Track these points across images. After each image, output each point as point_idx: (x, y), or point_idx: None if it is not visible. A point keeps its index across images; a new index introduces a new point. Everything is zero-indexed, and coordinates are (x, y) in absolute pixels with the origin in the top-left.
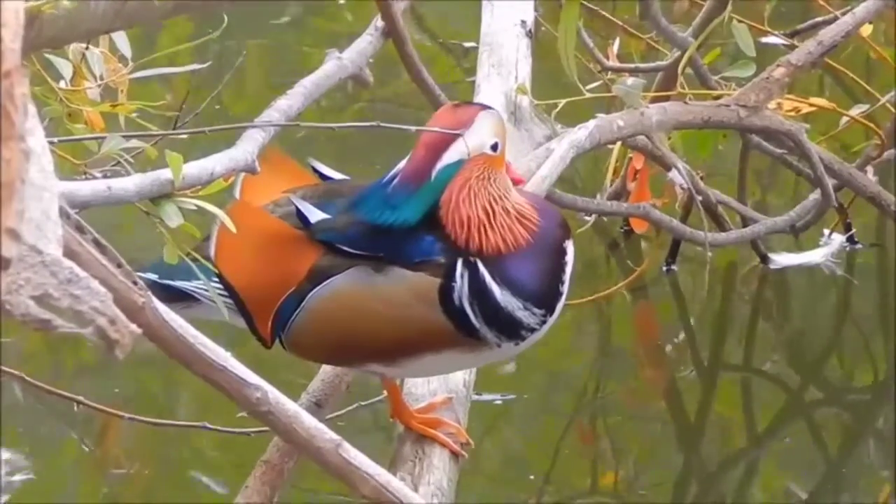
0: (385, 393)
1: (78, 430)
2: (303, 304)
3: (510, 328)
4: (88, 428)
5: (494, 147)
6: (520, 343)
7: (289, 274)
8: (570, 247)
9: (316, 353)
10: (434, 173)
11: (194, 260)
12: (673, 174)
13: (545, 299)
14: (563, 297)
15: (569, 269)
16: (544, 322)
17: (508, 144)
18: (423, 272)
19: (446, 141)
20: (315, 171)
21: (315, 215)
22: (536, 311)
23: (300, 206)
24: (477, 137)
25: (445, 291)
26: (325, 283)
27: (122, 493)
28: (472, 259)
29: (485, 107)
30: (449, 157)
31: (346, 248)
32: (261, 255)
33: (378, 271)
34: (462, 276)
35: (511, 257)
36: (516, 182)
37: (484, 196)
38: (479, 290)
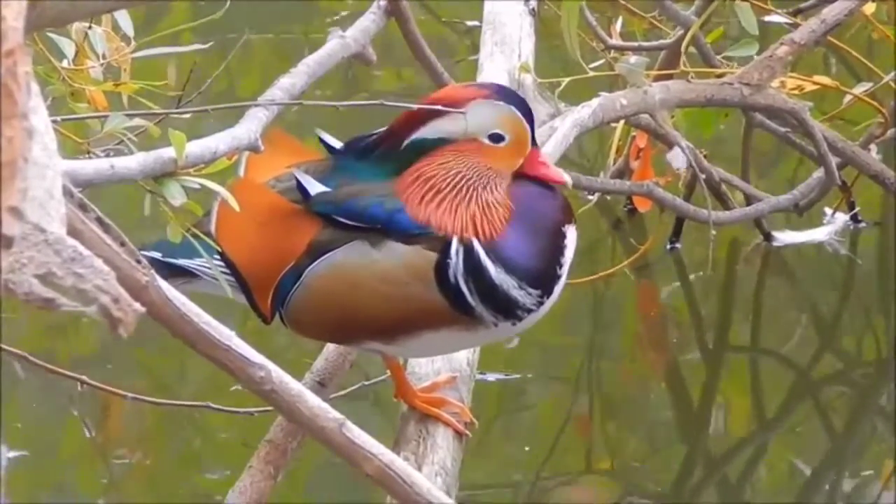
0: (388, 373)
1: (80, 412)
2: (300, 279)
3: (506, 307)
4: (91, 411)
5: (495, 138)
6: (517, 323)
7: (288, 249)
8: (570, 231)
9: (314, 330)
10: (405, 143)
11: (197, 238)
12: (671, 155)
13: (541, 280)
14: (562, 279)
15: (568, 253)
16: (541, 303)
17: None
18: (419, 245)
19: (429, 116)
20: (322, 141)
21: (315, 188)
22: (532, 291)
23: (301, 179)
24: (472, 122)
25: (441, 268)
26: (321, 258)
27: (125, 474)
28: (466, 235)
29: (494, 94)
30: (426, 131)
31: (343, 221)
32: (260, 231)
33: (374, 246)
34: (457, 253)
35: (507, 237)
36: (545, 180)
37: (444, 182)
38: (473, 267)
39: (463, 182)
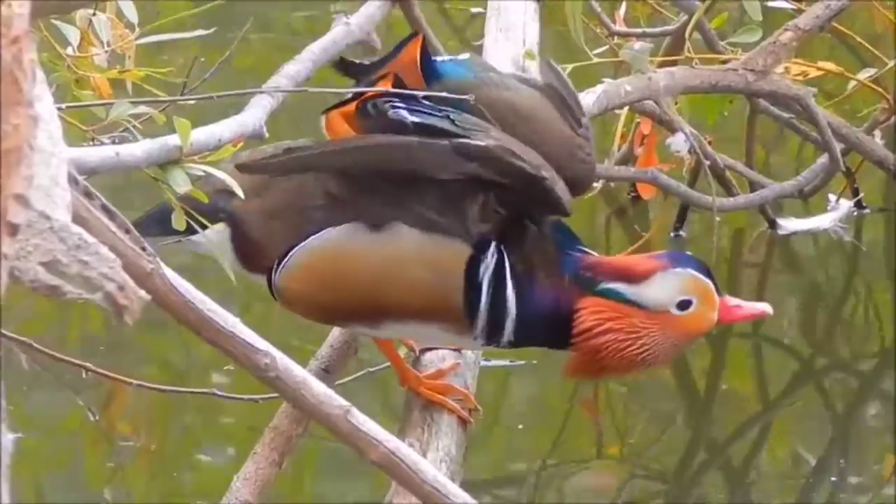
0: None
1: (84, 399)
2: (293, 253)
3: (495, 329)
4: (95, 397)
5: (683, 305)
6: (488, 346)
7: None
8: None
9: (300, 306)
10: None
11: (202, 225)
12: (672, 140)
13: (526, 337)
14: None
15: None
16: (512, 348)
17: None
18: (437, 234)
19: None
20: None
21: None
22: (515, 337)
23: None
24: (658, 295)
25: (474, 262)
26: (319, 234)
27: (129, 460)
28: (501, 248)
29: (671, 263)
30: (620, 286)
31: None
32: None
33: (375, 230)
34: (492, 256)
35: (539, 293)
36: (749, 320)
37: (617, 350)
38: (496, 277)
39: (646, 351)
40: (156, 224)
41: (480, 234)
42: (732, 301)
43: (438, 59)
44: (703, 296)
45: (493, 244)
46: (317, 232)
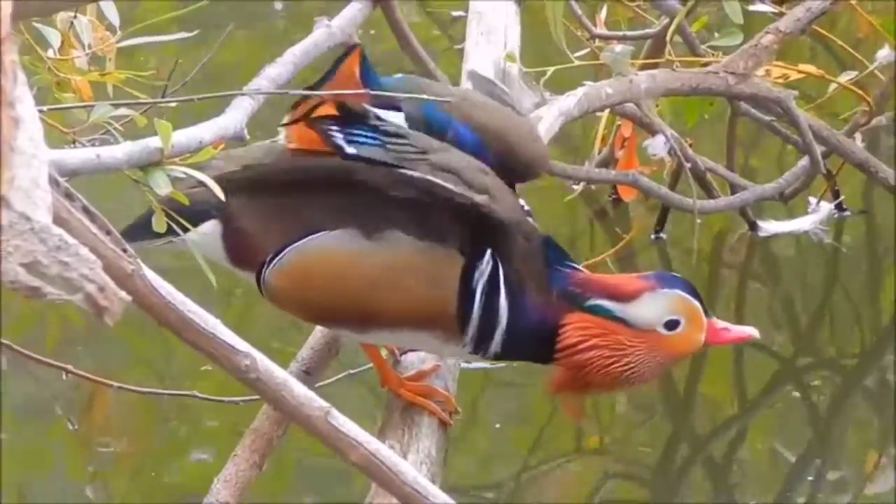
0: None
1: (63, 403)
2: (287, 250)
3: (484, 338)
4: (73, 401)
5: (671, 325)
6: (474, 355)
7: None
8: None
9: (287, 304)
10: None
11: (184, 228)
12: (650, 143)
13: (513, 350)
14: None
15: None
16: (496, 360)
17: None
18: (431, 242)
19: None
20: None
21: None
22: (502, 349)
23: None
24: (646, 315)
25: (469, 269)
26: (316, 234)
27: (109, 462)
28: (496, 258)
29: (658, 284)
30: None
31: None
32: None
33: (371, 236)
34: (487, 264)
35: (529, 306)
36: (735, 343)
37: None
38: (490, 285)
39: (631, 368)
40: (142, 228)
41: (475, 243)
42: (720, 323)
43: (377, 74)
44: (690, 317)
45: (489, 252)
46: (313, 232)
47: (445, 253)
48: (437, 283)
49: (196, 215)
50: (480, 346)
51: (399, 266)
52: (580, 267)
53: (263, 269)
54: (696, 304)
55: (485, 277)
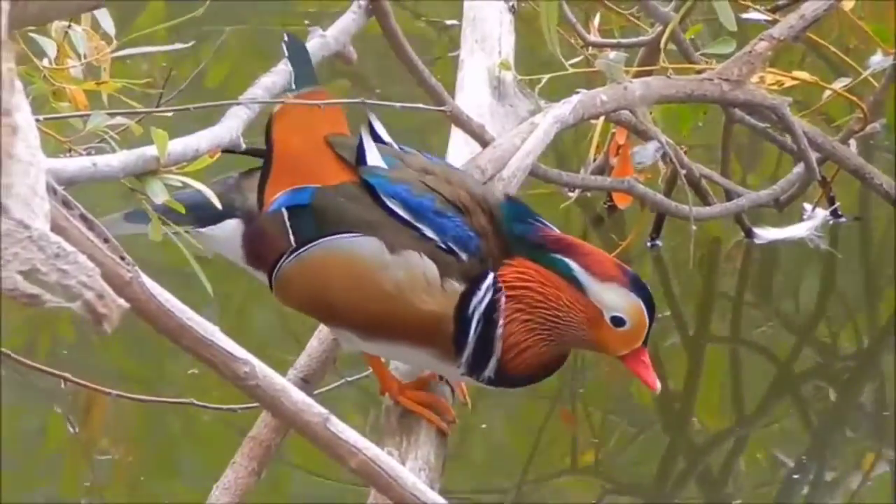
0: (369, 369)
1: (63, 409)
2: (305, 248)
3: (479, 363)
4: (74, 408)
5: (616, 321)
6: (468, 377)
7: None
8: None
9: (297, 301)
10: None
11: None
12: (636, 151)
13: (509, 378)
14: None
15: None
16: (490, 385)
17: (491, 120)
18: (439, 266)
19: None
20: (370, 126)
21: (374, 157)
22: (497, 375)
23: (365, 143)
24: (604, 299)
25: (467, 295)
26: (338, 235)
27: (107, 470)
28: (499, 285)
29: (630, 284)
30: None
31: (383, 200)
32: (307, 156)
33: (392, 251)
34: (486, 291)
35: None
36: (638, 377)
37: (542, 310)
38: (488, 313)
39: (556, 323)
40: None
41: (481, 267)
42: (645, 356)
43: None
44: (634, 330)
45: (490, 279)
46: (335, 234)
47: (450, 277)
48: (439, 304)
49: (217, 214)
50: (475, 369)
51: (411, 284)
52: (550, 224)
53: (283, 259)
54: (647, 324)
55: (483, 306)
